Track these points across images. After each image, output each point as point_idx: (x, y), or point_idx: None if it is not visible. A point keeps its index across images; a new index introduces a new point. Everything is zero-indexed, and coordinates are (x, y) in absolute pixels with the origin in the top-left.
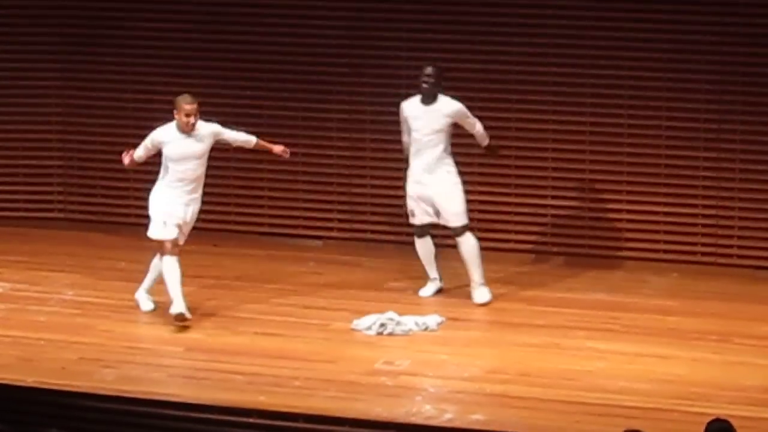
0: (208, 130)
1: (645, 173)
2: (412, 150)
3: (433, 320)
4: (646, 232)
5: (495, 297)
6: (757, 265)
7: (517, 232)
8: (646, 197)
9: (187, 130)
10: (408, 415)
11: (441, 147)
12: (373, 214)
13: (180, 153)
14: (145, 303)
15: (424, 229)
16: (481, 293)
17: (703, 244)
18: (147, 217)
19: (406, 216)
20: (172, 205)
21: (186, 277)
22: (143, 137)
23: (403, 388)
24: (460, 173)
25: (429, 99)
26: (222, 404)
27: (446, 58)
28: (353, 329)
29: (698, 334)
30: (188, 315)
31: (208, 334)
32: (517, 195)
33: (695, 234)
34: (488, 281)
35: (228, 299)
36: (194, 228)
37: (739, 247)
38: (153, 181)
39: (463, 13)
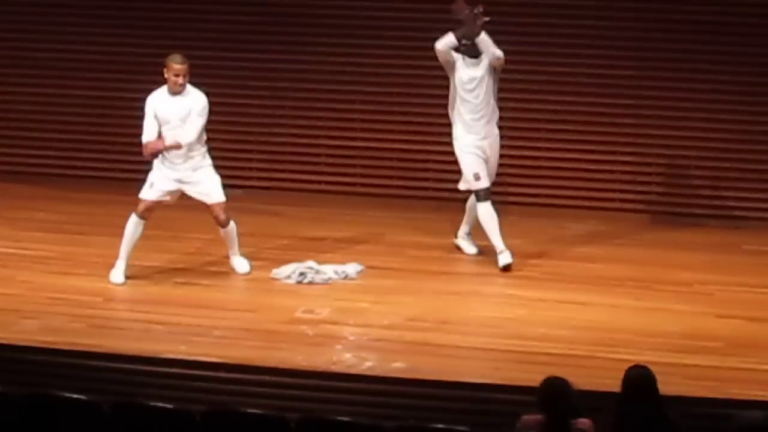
0: (196, 98)
1: (563, 120)
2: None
3: (352, 269)
4: (565, 179)
5: (413, 244)
6: (676, 212)
7: (435, 180)
8: (564, 144)
9: (176, 90)
10: (329, 364)
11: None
12: (294, 162)
13: (166, 113)
14: None
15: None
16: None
17: (622, 191)
18: (64, 167)
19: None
20: (162, 173)
21: (103, 227)
22: (62, 87)
23: (324, 337)
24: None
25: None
26: (143, 354)
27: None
28: (273, 278)
29: (618, 280)
30: (117, 280)
31: (128, 283)
32: (435, 143)
33: (614, 181)
34: (407, 229)
35: (147, 249)
36: (111, 179)
37: (658, 193)
38: (68, 132)
39: None
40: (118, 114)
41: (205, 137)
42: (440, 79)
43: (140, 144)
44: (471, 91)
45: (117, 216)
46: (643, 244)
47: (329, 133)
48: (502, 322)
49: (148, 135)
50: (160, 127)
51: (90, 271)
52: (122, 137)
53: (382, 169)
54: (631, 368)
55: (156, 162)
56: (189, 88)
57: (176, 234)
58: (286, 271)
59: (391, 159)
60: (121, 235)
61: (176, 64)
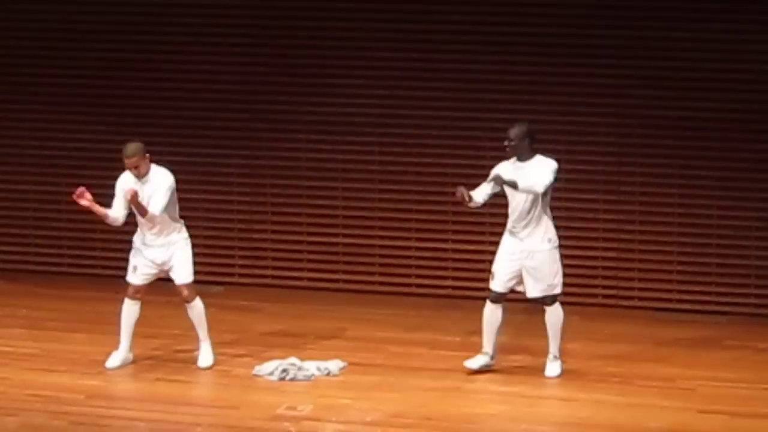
0: (159, 178)
1: None
2: None
3: (335, 365)
4: None
5: (395, 340)
6: (658, 307)
7: (417, 276)
8: None
9: (137, 178)
10: None
11: None
12: (275, 259)
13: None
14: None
15: None
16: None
17: (604, 287)
18: (46, 264)
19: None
20: (138, 254)
21: (84, 323)
22: (41, 183)
23: None
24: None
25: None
26: None
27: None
28: (255, 375)
29: (600, 376)
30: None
31: (109, 380)
32: (417, 239)
33: (596, 276)
34: (389, 325)
35: None
36: (92, 275)
37: (640, 289)
38: (49, 228)
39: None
40: None
41: (177, 214)
42: (422, 176)
43: (123, 240)
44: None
45: (99, 313)
46: (625, 340)
47: (311, 229)
48: (484, 419)
49: (114, 211)
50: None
51: (71, 368)
52: (104, 234)
53: (364, 266)
54: None
55: (135, 241)
56: (153, 170)
57: (157, 330)
58: (269, 368)
59: (372, 255)
60: (103, 331)
61: (124, 158)
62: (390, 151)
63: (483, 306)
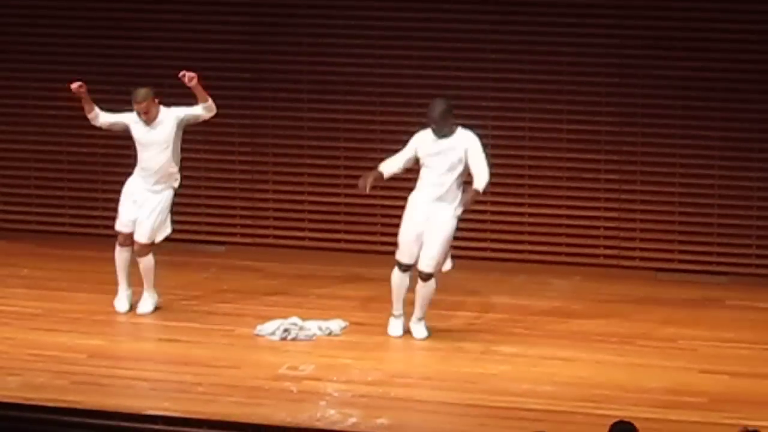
0: (168, 115)
1: (546, 176)
2: None
3: (336, 325)
4: (548, 235)
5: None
6: (659, 267)
7: None
8: (547, 200)
9: (145, 123)
10: (312, 420)
11: None
12: (276, 219)
13: (141, 138)
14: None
15: None
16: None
17: (606, 247)
18: (47, 224)
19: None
20: (125, 203)
21: (86, 283)
22: (43, 143)
23: (308, 393)
24: None
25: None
26: (126, 411)
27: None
28: (257, 335)
29: (601, 336)
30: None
31: (110, 340)
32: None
33: (597, 237)
34: (388, 285)
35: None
36: (94, 235)
37: (641, 249)
38: (50, 188)
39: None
40: (101, 170)
41: (179, 159)
42: None
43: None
44: None
45: (100, 272)
46: (627, 300)
47: (312, 189)
48: (485, 378)
49: (101, 114)
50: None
51: (73, 327)
52: (105, 194)
53: (365, 225)
54: (615, 424)
55: (132, 178)
56: (163, 113)
57: (160, 290)
58: (270, 328)
59: (374, 215)
60: (104, 291)
61: (134, 103)
62: (391, 111)
63: (487, 267)
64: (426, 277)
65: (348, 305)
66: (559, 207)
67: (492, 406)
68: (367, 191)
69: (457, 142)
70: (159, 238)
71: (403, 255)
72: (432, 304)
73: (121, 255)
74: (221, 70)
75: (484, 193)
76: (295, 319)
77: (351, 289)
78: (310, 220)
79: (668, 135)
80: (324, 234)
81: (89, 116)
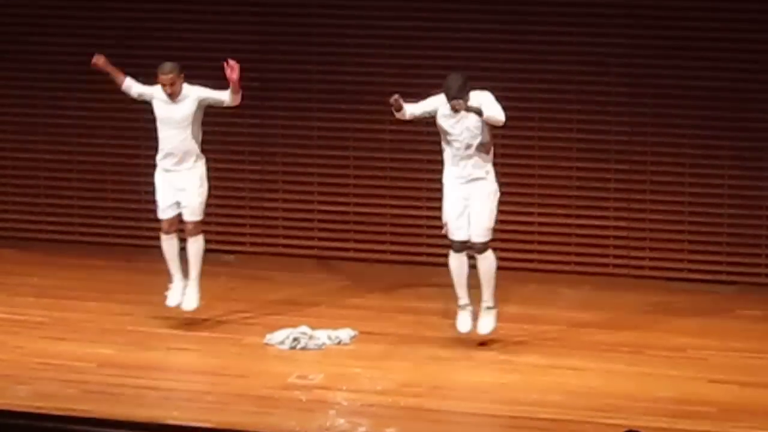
0: (191, 92)
1: (556, 185)
2: None
3: (346, 334)
4: (558, 245)
5: (406, 309)
6: (669, 277)
7: (429, 245)
8: (557, 209)
9: (170, 97)
10: (322, 429)
11: None
12: (286, 228)
13: (163, 114)
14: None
15: None
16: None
17: (615, 256)
18: (57, 232)
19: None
20: (161, 190)
21: (96, 292)
22: (52, 152)
23: (317, 402)
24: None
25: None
26: (136, 420)
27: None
28: (266, 344)
29: (611, 346)
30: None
31: (120, 349)
32: (428, 209)
33: (607, 246)
34: (400, 294)
35: (140, 314)
36: (104, 244)
37: (651, 258)
38: (61, 197)
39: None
40: (111, 179)
41: (200, 138)
42: (434, 144)
43: (134, 209)
44: None
45: (110, 281)
46: (636, 310)
47: (322, 198)
48: (495, 388)
49: (133, 84)
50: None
51: (83, 336)
52: (115, 203)
53: (375, 234)
54: None
55: (157, 173)
56: (185, 91)
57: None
58: (280, 337)
59: (384, 224)
60: (114, 300)
61: (161, 74)
62: (401, 120)
63: (496, 276)
64: (481, 248)
65: (357, 314)
66: (569, 216)
67: (501, 415)
68: (397, 104)
69: (472, 115)
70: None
71: (453, 233)
72: (441, 313)
73: (168, 243)
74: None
75: (490, 123)
76: (304, 328)
77: (361, 298)
78: (320, 229)
79: (678, 144)
80: (333, 243)
81: (122, 87)
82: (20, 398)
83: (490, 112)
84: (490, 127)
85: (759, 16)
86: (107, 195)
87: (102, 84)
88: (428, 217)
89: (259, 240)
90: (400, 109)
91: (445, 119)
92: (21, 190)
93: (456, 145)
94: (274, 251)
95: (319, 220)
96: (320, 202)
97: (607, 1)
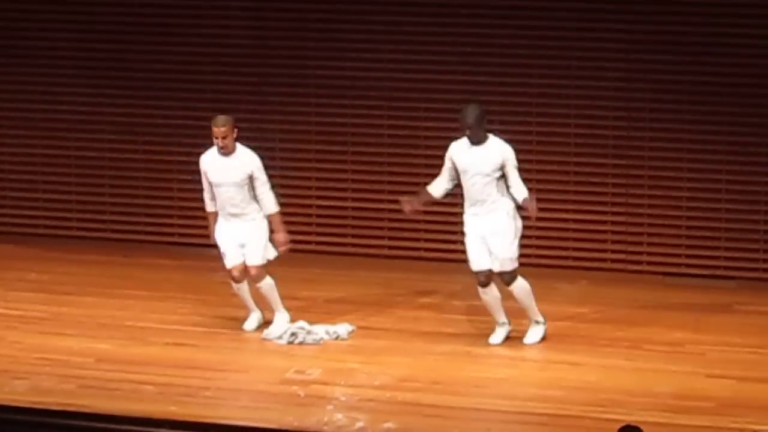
0: (248, 160)
1: (553, 180)
2: None
3: (343, 329)
4: (555, 240)
5: (404, 304)
6: (667, 272)
7: (426, 240)
8: (554, 204)
9: (222, 152)
10: (320, 424)
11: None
12: (285, 223)
13: (216, 174)
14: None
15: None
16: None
17: (613, 251)
18: (55, 227)
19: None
20: (223, 239)
21: (93, 287)
22: (50, 147)
23: (315, 397)
24: None
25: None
26: (133, 415)
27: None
28: (264, 339)
29: (609, 341)
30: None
31: (118, 344)
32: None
33: (605, 241)
34: (398, 289)
35: (138, 309)
36: (103, 239)
37: (649, 253)
38: (58, 192)
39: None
40: (109, 174)
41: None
42: (432, 140)
43: (132, 204)
44: None
45: (108, 276)
46: (634, 304)
47: (320, 193)
48: (493, 383)
49: (206, 196)
50: (211, 187)
51: (80, 331)
52: (113, 198)
53: (373, 230)
54: (622, 428)
55: (218, 224)
56: (239, 150)
57: (167, 294)
58: (278, 332)
59: (381, 219)
60: (111, 295)
61: (214, 127)
62: (399, 116)
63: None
64: (508, 279)
65: (355, 309)
66: (567, 211)
67: (499, 410)
68: (410, 212)
69: (492, 150)
70: (270, 256)
71: (476, 265)
72: (439, 308)
73: (240, 288)
74: (228, 74)
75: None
76: (302, 323)
77: (358, 294)
78: (318, 224)
79: (676, 139)
80: (332, 238)
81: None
82: (18, 393)
83: (524, 193)
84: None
85: (757, 11)
86: (105, 190)
87: (100, 79)
88: (426, 212)
89: None
90: (424, 201)
91: (464, 162)
92: (19, 185)
93: (469, 179)
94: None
95: (317, 215)
96: (318, 197)
97: None
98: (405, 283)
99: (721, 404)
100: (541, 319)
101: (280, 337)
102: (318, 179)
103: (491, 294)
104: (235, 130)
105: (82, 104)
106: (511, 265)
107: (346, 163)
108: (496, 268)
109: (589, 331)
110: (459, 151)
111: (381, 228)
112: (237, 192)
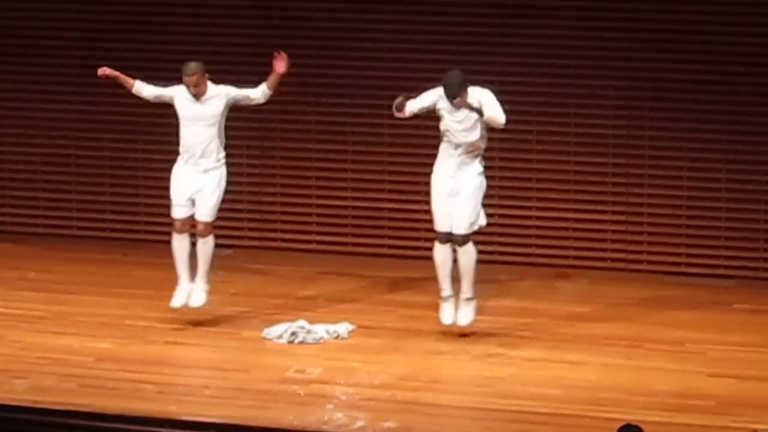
0: (219, 92)
1: (554, 179)
2: None
3: (343, 328)
4: (555, 239)
5: (403, 303)
6: (667, 271)
7: (426, 239)
8: (555, 203)
9: (195, 96)
10: (320, 423)
11: None
12: (284, 222)
13: (187, 113)
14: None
15: None
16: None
17: (613, 250)
18: (55, 226)
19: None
20: (178, 186)
21: (93, 286)
22: (50, 146)
23: (315, 396)
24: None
25: None
26: (133, 414)
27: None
28: (264, 338)
29: (609, 339)
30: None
31: (118, 343)
32: (426, 203)
33: (605, 240)
34: (398, 288)
35: (138, 308)
36: (103, 238)
37: (649, 252)
38: (58, 191)
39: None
40: (109, 173)
41: (224, 137)
42: (432, 138)
43: (132, 203)
44: None
45: (108, 275)
46: (634, 303)
47: (320, 192)
48: (492, 382)
49: (145, 87)
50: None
51: (81, 330)
52: (113, 197)
53: (373, 228)
54: (622, 427)
55: (177, 165)
56: (212, 90)
57: (167, 293)
58: (278, 331)
59: (381, 218)
60: (112, 294)
61: (185, 76)
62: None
63: (494, 270)
64: (461, 241)
65: (355, 308)
66: (567, 210)
67: (499, 409)
68: (400, 108)
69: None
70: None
71: (439, 224)
72: (437, 307)
73: (180, 243)
74: (228, 73)
75: (490, 123)
76: (302, 322)
77: (358, 292)
78: (318, 224)
79: (676, 138)
80: (331, 237)
81: (132, 91)
82: (18, 392)
83: (491, 112)
84: (487, 126)
85: (756, 9)
86: (105, 189)
87: (100, 79)
88: (427, 212)
89: (257, 234)
90: (402, 109)
91: (443, 113)
92: (19, 184)
93: (448, 138)
94: (272, 245)
95: (318, 214)
96: (318, 196)
97: None
98: (405, 281)
99: (721, 403)
100: (471, 295)
101: (280, 336)
102: (318, 179)
103: (446, 253)
104: (206, 74)
105: (82, 104)
106: (468, 228)
107: (346, 163)
108: (454, 230)
109: (589, 330)
110: (444, 108)
111: (381, 227)
112: (207, 131)
